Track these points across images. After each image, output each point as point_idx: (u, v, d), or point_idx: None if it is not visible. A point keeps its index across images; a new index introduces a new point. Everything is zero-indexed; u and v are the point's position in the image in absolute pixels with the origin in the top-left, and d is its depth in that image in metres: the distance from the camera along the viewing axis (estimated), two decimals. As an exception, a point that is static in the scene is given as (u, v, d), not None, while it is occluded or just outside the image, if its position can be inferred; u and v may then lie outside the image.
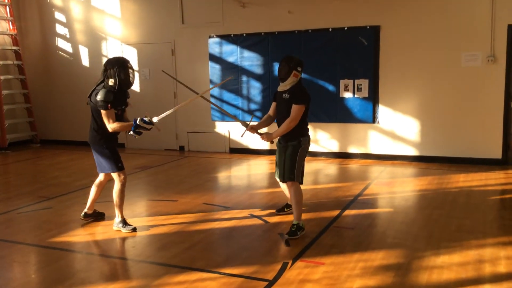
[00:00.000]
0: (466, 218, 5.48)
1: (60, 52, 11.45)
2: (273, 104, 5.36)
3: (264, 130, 5.77)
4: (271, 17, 9.33)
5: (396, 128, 8.79)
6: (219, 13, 9.71)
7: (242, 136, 5.57)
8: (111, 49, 10.85)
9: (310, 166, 8.61)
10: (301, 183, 5.14)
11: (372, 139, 8.99)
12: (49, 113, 11.76)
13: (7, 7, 11.25)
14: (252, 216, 5.73)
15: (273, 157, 8.83)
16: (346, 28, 8.80)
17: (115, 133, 5.30)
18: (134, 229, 5.27)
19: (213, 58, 9.84)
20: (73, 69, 11.28)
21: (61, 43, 11.43)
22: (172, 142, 10.57)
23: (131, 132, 5.10)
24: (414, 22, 8.40)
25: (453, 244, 4.68)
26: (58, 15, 11.36)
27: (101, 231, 5.35)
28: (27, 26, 11.74)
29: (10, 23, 11.34)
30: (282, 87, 5.11)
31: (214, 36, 9.78)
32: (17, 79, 11.50)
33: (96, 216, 5.66)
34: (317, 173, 8.25)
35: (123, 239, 5.12)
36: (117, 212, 5.32)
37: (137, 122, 4.99)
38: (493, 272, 4.05)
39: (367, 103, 8.83)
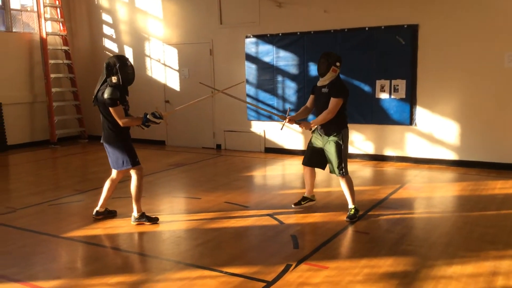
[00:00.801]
0: (491, 227, 5.19)
1: (106, 52, 11.88)
2: (311, 97, 5.64)
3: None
4: (307, 17, 9.24)
5: (434, 130, 8.45)
6: (256, 13, 9.74)
7: (281, 129, 5.71)
8: (153, 49, 11.15)
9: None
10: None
11: (409, 142, 8.70)
12: (97, 110, 12.17)
13: (58, 9, 11.82)
14: (269, 216, 5.71)
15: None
16: (383, 27, 8.56)
17: (127, 129, 5.45)
18: (156, 219, 5.50)
19: (249, 57, 9.88)
20: (119, 68, 11.66)
21: (107, 43, 11.88)
22: (209, 141, 10.72)
23: (141, 125, 5.29)
24: (454, 20, 8.04)
25: (469, 254, 4.46)
26: (105, 17, 11.81)
27: (120, 225, 5.50)
28: (77, 27, 12.30)
29: (61, 24, 11.92)
30: (322, 82, 5.42)
31: (251, 36, 9.82)
32: (67, 77, 12.07)
33: (107, 214, 5.77)
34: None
35: (140, 234, 5.26)
36: (135, 207, 5.46)
37: (148, 117, 5.20)
38: (505, 285, 3.82)
39: (404, 104, 8.55)
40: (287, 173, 8.64)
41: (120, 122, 5.24)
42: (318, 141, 5.56)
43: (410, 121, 8.57)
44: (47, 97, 11.54)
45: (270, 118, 9.74)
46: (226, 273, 4.15)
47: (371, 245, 4.77)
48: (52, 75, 11.56)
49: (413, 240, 4.91)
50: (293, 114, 5.70)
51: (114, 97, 5.14)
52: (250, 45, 9.85)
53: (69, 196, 6.86)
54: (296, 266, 4.26)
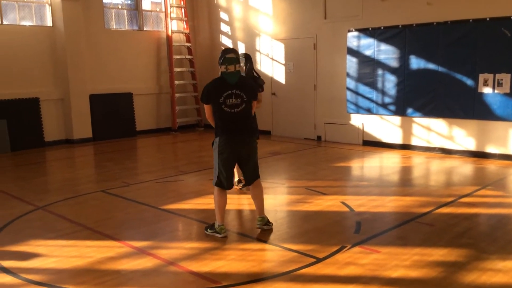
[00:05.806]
0: None
1: (223, 48, 12.87)
2: None
3: None
4: (409, 9, 9.19)
5: (542, 127, 7.96)
6: (359, 7, 9.90)
7: None
8: (263, 44, 11.86)
9: (441, 164, 8.39)
10: (226, 188, 5.03)
11: (513, 139, 8.29)
12: (213, 101, 13.34)
13: (183, 9, 13.10)
14: (342, 203, 6.03)
15: (406, 152, 9.32)
16: (488, 19, 8.22)
17: None
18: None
19: (351, 51, 10.08)
20: (233, 62, 12.60)
21: (224, 40, 12.87)
22: (310, 132, 11.15)
23: None
24: None
25: (531, 252, 4.39)
26: (223, 15, 12.80)
27: (208, 203, 6.24)
28: (198, 25, 13.49)
29: (185, 23, 13.19)
30: None
31: (353, 30, 10.01)
32: (188, 71, 13.33)
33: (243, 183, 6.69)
34: (442, 170, 8.01)
35: (222, 211, 5.95)
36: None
37: None
38: (553, 283, 3.77)
39: (508, 100, 8.15)
40: (376, 165, 8.76)
41: None
42: None
43: (515, 117, 8.15)
44: (171, 88, 12.90)
45: (369, 111, 9.90)
46: (284, 248, 4.63)
47: (430, 236, 4.88)
48: (176, 69, 12.87)
49: (476, 234, 4.91)
50: None
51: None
52: (352, 39, 10.05)
53: (174, 176, 7.83)
54: (349, 248, 4.58)
